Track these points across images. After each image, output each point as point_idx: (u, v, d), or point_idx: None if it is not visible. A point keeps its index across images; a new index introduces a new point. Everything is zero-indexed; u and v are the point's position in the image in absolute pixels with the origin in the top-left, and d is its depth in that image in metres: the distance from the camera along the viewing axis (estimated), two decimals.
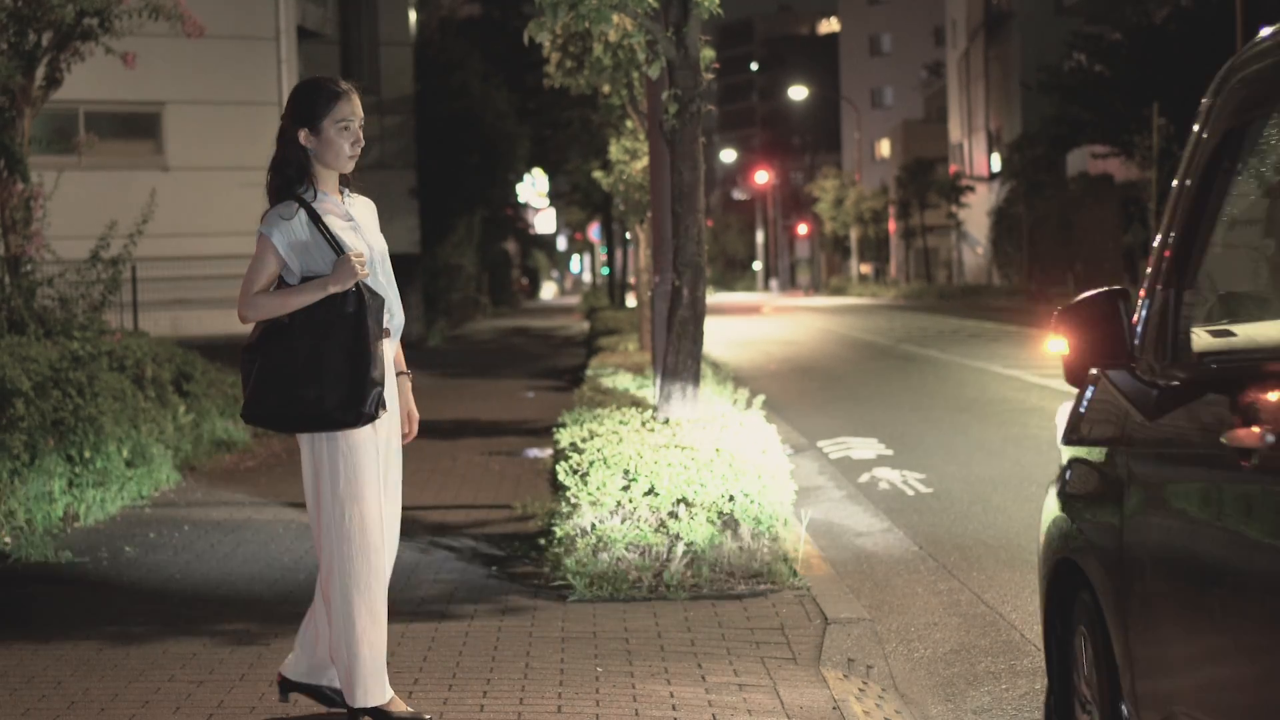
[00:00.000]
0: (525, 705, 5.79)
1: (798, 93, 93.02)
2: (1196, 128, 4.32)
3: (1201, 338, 4.14)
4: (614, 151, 20.10)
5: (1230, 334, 4.06)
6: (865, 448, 14.30)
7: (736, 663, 6.42)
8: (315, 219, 5.30)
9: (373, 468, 5.33)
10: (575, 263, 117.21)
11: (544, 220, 78.14)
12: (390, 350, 5.45)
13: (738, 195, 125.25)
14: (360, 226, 5.42)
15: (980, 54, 68.10)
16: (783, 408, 17.35)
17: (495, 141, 41.11)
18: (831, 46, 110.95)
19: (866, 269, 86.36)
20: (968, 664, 6.86)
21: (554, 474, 8.77)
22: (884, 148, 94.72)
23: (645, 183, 17.25)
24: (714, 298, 63.23)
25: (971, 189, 67.00)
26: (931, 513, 10.79)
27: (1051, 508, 4.97)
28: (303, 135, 5.33)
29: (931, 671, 6.75)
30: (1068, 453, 4.92)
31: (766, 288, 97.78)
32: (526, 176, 57.12)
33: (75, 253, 13.41)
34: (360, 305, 5.27)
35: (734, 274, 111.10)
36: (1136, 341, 4.38)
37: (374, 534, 5.34)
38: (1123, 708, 4.34)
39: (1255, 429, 3.44)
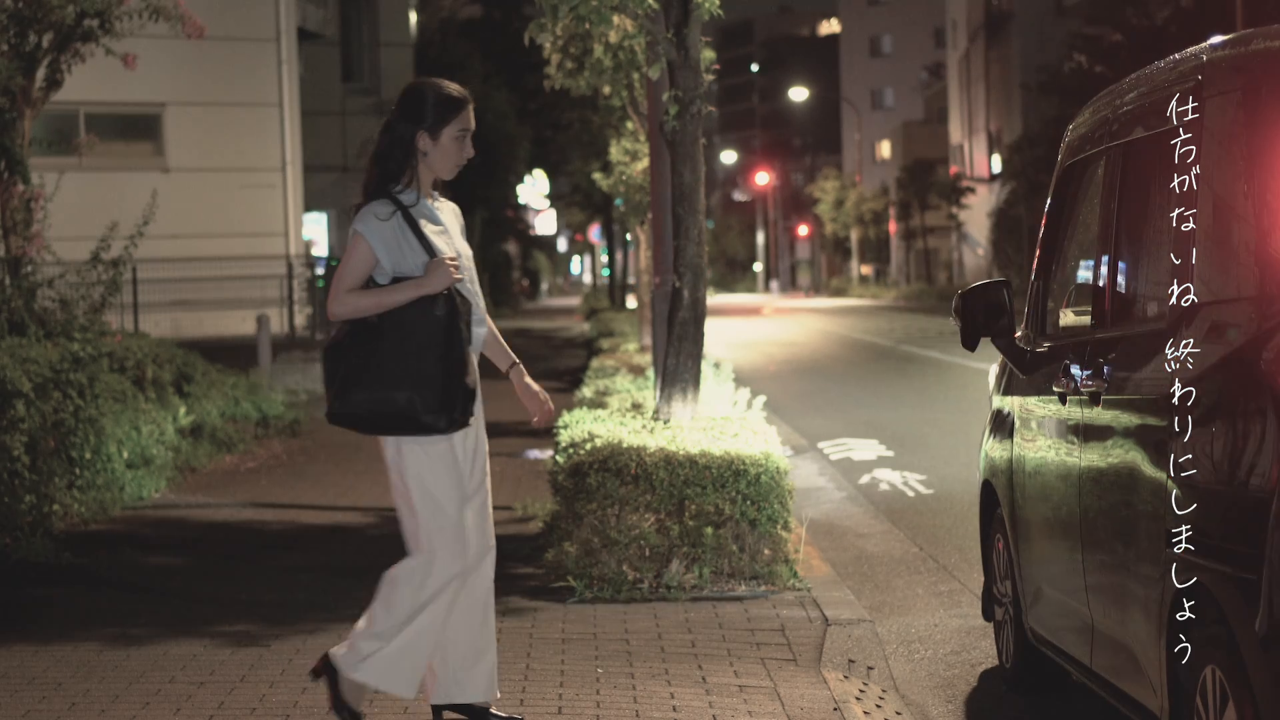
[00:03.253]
0: (526, 706, 5.79)
1: (798, 94, 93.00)
2: (1059, 160, 5.97)
3: (1069, 316, 5.63)
4: (614, 153, 20.11)
5: (1084, 314, 5.37)
6: (866, 449, 14.30)
7: (737, 664, 6.42)
8: (410, 220, 5.20)
9: (454, 474, 5.23)
10: (575, 264, 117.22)
11: (544, 221, 78.14)
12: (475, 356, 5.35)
13: (738, 197, 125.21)
14: (448, 231, 5.33)
15: (980, 55, 68.07)
16: (783, 409, 17.35)
17: (496, 143, 41.18)
18: (832, 48, 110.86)
19: (867, 270, 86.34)
20: (968, 665, 6.86)
21: (554, 475, 8.77)
22: (884, 149, 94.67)
23: (646, 184, 17.24)
24: (714, 299, 63.16)
25: (972, 190, 66.96)
26: (932, 514, 10.79)
27: (983, 443, 6.66)
28: (421, 139, 5.22)
29: (932, 673, 6.75)
30: (994, 401, 6.55)
31: (767, 289, 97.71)
32: (527, 178, 57.18)
33: (76, 254, 13.40)
34: (451, 309, 5.17)
35: (734, 275, 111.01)
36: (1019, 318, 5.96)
37: (450, 539, 5.19)
38: (1019, 588, 6.11)
39: (1063, 378, 5.17)
